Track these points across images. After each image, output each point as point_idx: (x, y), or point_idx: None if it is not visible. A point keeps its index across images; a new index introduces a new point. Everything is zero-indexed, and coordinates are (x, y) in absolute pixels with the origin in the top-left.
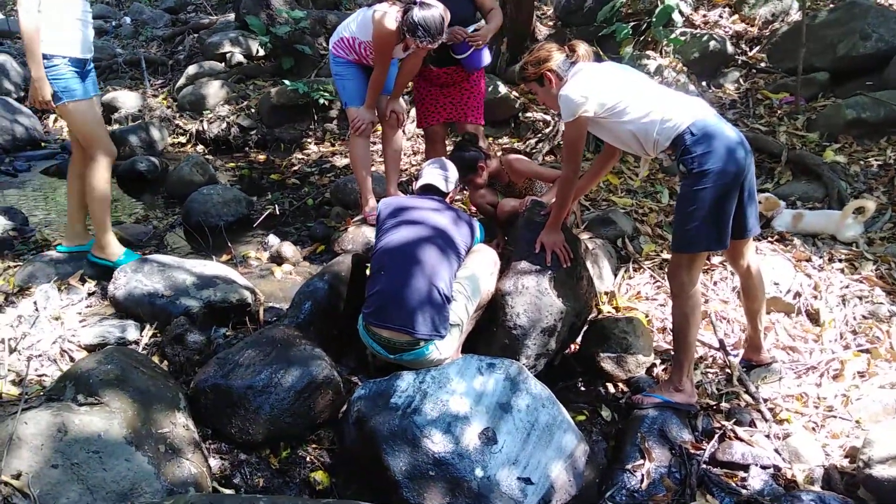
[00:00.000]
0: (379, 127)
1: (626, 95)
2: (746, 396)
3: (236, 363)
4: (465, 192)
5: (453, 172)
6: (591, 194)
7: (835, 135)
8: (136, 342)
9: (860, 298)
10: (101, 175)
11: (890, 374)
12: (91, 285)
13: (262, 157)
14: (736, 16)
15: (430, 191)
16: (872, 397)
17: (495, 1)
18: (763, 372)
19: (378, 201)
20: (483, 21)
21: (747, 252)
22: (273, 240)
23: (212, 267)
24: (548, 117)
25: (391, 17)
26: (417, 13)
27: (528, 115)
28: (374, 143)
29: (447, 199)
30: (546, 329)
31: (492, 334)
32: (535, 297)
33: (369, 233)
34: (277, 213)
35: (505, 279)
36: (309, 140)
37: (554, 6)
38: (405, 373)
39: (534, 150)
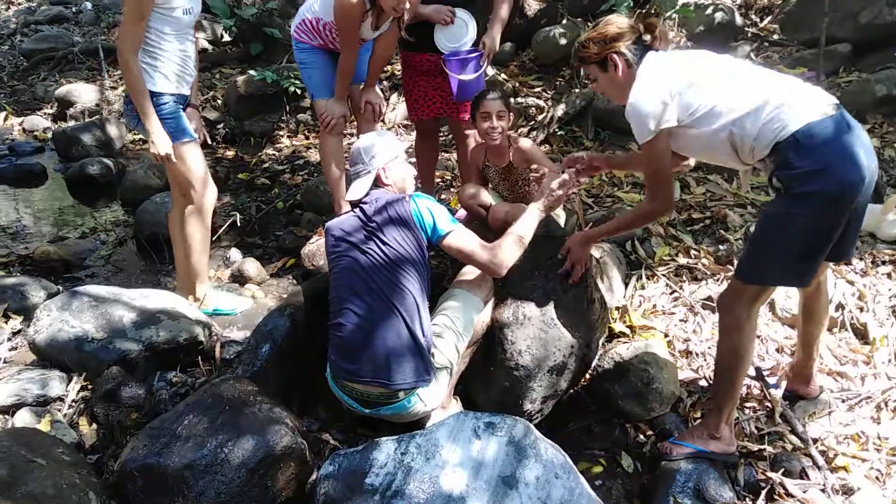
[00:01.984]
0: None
1: (717, 90)
2: (793, 437)
3: (173, 434)
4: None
5: (380, 144)
6: (594, 190)
7: (863, 114)
8: (61, 399)
9: None
10: (206, 223)
11: None
12: (16, 322)
13: (230, 153)
14: None
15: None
16: None
17: None
18: (809, 406)
19: None
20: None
21: (823, 271)
22: (235, 255)
23: (157, 298)
24: (541, 102)
25: None
26: None
27: (520, 100)
28: (349, 137)
29: (384, 179)
30: (554, 368)
31: (489, 375)
32: (539, 330)
33: None
34: (241, 221)
35: (503, 307)
36: (281, 133)
37: None
38: (384, 441)
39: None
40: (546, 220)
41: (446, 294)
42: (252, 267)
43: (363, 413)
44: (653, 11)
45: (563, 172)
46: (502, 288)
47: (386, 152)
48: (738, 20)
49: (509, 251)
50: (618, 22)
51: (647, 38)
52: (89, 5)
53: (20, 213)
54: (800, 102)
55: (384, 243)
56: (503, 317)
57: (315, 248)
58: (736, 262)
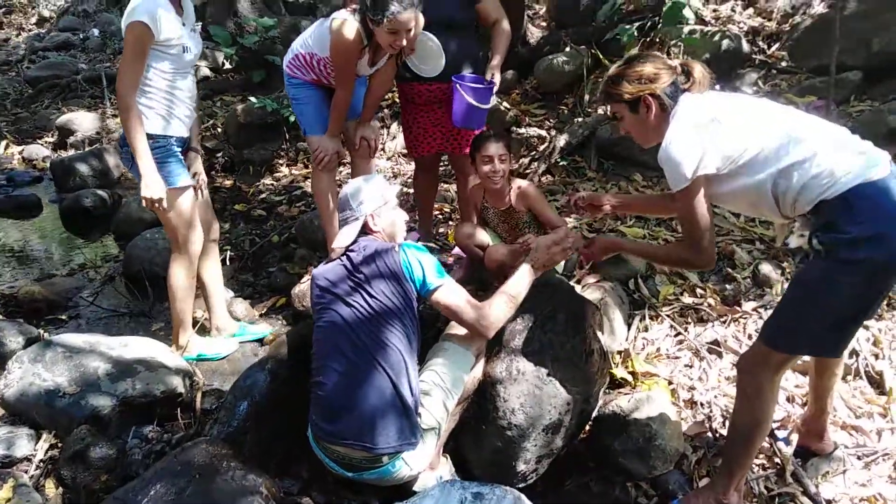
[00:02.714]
0: (349, 157)
1: (761, 136)
2: (805, 500)
3: None
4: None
5: (368, 191)
6: (596, 224)
7: (875, 146)
8: (29, 459)
9: None
10: (191, 270)
11: None
12: None
13: (228, 182)
14: (751, 9)
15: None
16: None
17: (500, 9)
18: (822, 464)
19: None
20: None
21: None
22: (225, 294)
23: (135, 346)
24: (543, 132)
25: (351, 25)
26: None
27: (522, 130)
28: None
29: (372, 226)
30: (549, 426)
31: (480, 433)
32: (534, 387)
33: None
34: (235, 256)
35: (495, 361)
36: (280, 161)
37: (547, 5)
38: None
39: (528, 171)
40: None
41: (436, 347)
42: (240, 307)
43: (346, 476)
44: (657, 39)
45: (570, 206)
46: (495, 341)
47: (374, 198)
48: (746, 47)
49: (498, 312)
50: (655, 62)
51: (686, 81)
52: (96, 32)
53: (11, 247)
54: (852, 157)
55: (370, 296)
56: (495, 372)
57: (306, 288)
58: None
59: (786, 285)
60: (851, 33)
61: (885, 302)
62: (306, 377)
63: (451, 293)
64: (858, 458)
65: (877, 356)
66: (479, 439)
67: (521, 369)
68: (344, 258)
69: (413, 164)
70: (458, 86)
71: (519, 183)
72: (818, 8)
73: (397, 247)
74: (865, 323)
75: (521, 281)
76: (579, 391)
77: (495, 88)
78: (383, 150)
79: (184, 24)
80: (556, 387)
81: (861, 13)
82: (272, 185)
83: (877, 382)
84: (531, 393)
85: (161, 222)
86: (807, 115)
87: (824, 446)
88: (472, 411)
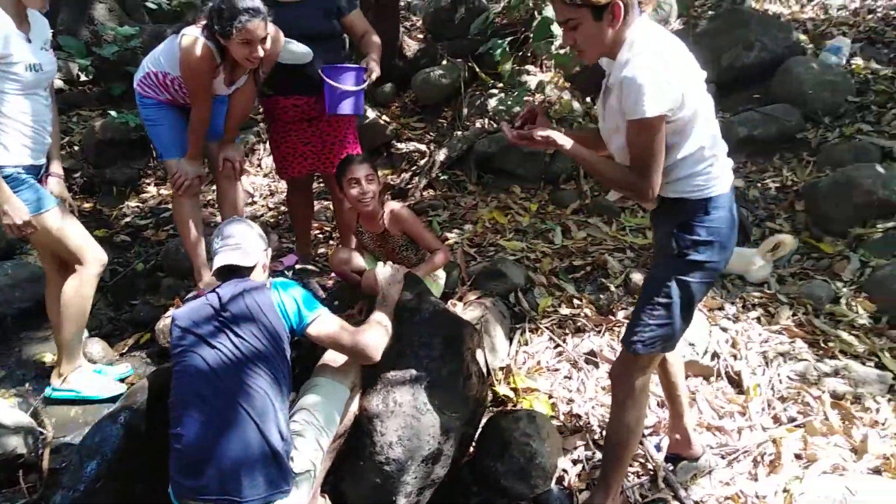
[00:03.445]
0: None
1: (701, 106)
2: None
3: None
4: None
5: (254, 236)
6: (477, 239)
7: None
8: None
9: (783, 356)
10: (84, 294)
11: (830, 454)
12: None
13: (88, 205)
14: None
15: (231, 273)
16: (816, 491)
17: (367, 23)
18: (691, 467)
19: None
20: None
21: None
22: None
23: None
24: (423, 147)
25: (201, 42)
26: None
27: (401, 145)
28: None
29: (262, 269)
30: (429, 457)
31: (358, 470)
32: (411, 417)
33: None
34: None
35: (371, 395)
36: (147, 181)
37: (422, 17)
38: None
39: (409, 185)
40: (419, 290)
41: (308, 384)
42: (97, 347)
43: None
44: (530, 54)
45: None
46: (371, 371)
47: (261, 244)
48: None
49: (376, 335)
50: None
51: None
52: None
53: None
54: (727, 167)
55: (237, 336)
56: (371, 406)
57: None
58: (623, 322)
59: None
60: (704, 49)
61: (741, 304)
62: (167, 430)
63: (327, 324)
64: (722, 457)
65: (735, 356)
66: (357, 476)
67: (397, 400)
68: (211, 296)
69: None
70: (321, 70)
71: (392, 206)
72: (675, 25)
73: (269, 283)
74: (724, 325)
75: (382, 314)
76: (459, 417)
77: (371, 76)
78: (259, 166)
79: (30, 41)
80: (434, 415)
81: (711, 31)
82: (138, 207)
83: (736, 382)
84: (409, 424)
85: (42, 256)
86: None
87: (693, 452)
88: (350, 447)
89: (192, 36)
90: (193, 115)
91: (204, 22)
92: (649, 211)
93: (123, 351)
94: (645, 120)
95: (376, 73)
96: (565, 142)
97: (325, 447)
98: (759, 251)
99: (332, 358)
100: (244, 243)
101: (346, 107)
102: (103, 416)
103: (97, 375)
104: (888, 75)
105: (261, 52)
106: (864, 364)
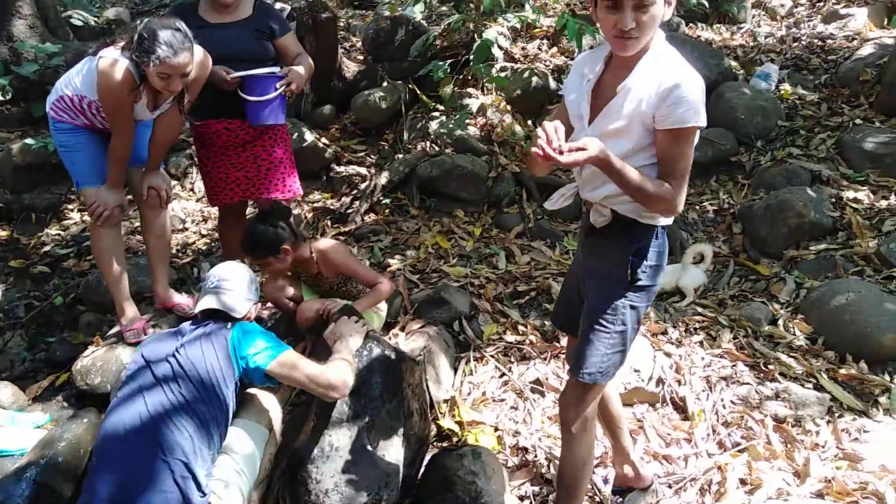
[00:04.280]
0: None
1: None
2: None
3: None
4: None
5: (242, 283)
6: (420, 265)
7: None
8: None
9: (725, 380)
10: None
11: (774, 479)
12: None
13: (3, 233)
14: (555, 48)
15: (214, 313)
16: None
17: (300, 46)
18: (639, 498)
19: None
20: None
21: None
22: None
23: None
24: (364, 171)
25: (120, 65)
26: (147, 26)
27: (341, 168)
28: None
29: (245, 320)
30: (369, 503)
31: None
32: (349, 462)
33: (128, 357)
34: (5, 325)
35: (306, 438)
36: (70, 207)
37: (362, 38)
38: None
39: (350, 210)
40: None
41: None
42: (6, 392)
43: None
44: (470, 76)
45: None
46: (305, 413)
47: (252, 293)
48: (553, 84)
49: (342, 368)
50: None
51: None
52: None
53: None
54: None
55: (177, 385)
56: (306, 451)
57: (90, 363)
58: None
59: None
60: None
61: (683, 328)
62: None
63: (288, 365)
64: (669, 486)
65: (679, 382)
66: None
67: (334, 444)
68: (177, 334)
69: None
70: (240, 87)
71: (320, 246)
72: None
73: (229, 325)
74: (668, 350)
75: (345, 350)
76: (399, 458)
77: (289, 86)
78: (192, 190)
79: None
80: (373, 458)
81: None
82: (59, 235)
83: (681, 408)
84: (346, 469)
85: None
86: None
87: (642, 480)
88: (284, 495)
89: (111, 58)
90: (114, 141)
91: (123, 43)
92: (585, 237)
93: (37, 395)
94: (693, 129)
95: (297, 82)
96: (609, 155)
97: (246, 492)
98: (683, 259)
99: (248, 397)
100: (237, 291)
101: (263, 117)
102: (7, 472)
103: (12, 427)
104: (814, 101)
105: (179, 86)
106: (803, 386)
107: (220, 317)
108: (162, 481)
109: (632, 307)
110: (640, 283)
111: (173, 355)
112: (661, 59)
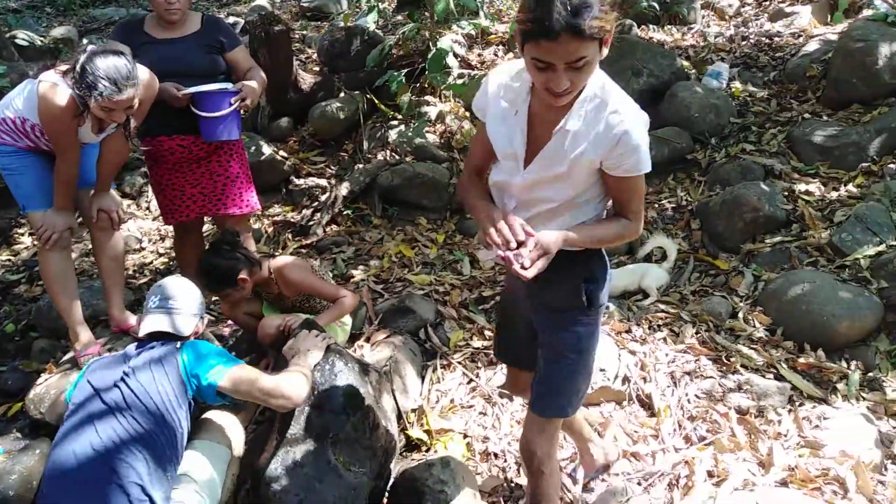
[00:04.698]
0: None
1: None
2: None
3: None
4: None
5: (188, 300)
6: (384, 275)
7: None
8: None
9: (689, 374)
10: None
11: (740, 470)
12: None
13: None
14: (511, 54)
15: (160, 335)
16: None
17: (251, 60)
18: (609, 497)
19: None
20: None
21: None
22: None
23: None
24: (324, 182)
25: (62, 90)
26: (90, 59)
27: (300, 181)
28: None
29: (192, 337)
30: None
31: None
32: (313, 479)
33: None
34: None
35: (269, 455)
36: (20, 231)
37: (317, 50)
38: None
39: (311, 222)
40: (322, 337)
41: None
42: None
43: None
44: (427, 85)
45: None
46: (268, 429)
47: (200, 308)
48: None
49: (296, 380)
50: None
51: None
52: None
53: None
54: None
55: (127, 413)
56: (269, 468)
57: (44, 391)
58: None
59: None
60: None
61: (647, 325)
62: None
63: (240, 380)
64: (639, 483)
65: (645, 379)
66: None
67: (297, 460)
68: (120, 356)
69: None
70: (193, 103)
71: (276, 265)
72: None
73: (179, 344)
74: (632, 348)
75: (301, 359)
76: (366, 471)
77: (243, 101)
78: (148, 209)
79: None
80: (338, 473)
81: (602, 60)
82: (9, 260)
83: (647, 405)
84: (310, 486)
85: None
86: None
87: (607, 456)
88: None
89: (50, 82)
90: (59, 165)
91: (65, 68)
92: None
93: None
94: (640, 174)
95: (250, 96)
96: (566, 236)
97: None
98: (641, 252)
99: (209, 417)
100: (183, 309)
101: (217, 133)
102: None
103: None
104: (764, 97)
105: (123, 118)
106: (763, 377)
107: (167, 337)
108: None
109: (591, 329)
110: (596, 303)
111: (122, 380)
112: (599, 96)
